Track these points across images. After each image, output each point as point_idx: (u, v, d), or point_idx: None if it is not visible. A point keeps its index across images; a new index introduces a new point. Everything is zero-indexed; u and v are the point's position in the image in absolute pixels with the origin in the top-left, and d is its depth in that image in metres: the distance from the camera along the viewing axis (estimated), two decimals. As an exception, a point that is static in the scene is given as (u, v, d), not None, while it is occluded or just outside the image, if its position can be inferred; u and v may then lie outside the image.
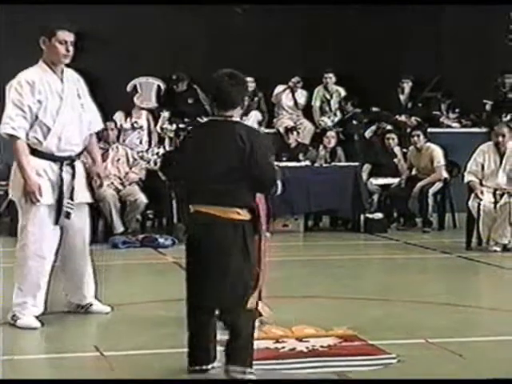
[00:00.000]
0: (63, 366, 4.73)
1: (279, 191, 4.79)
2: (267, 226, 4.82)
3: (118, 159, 10.40)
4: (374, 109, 13.39)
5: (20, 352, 4.97)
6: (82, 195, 5.92)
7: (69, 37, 5.76)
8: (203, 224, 4.40)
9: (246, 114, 13.17)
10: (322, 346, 5.07)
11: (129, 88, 13.07)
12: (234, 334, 4.41)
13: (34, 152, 5.68)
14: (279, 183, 4.75)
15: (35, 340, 5.36)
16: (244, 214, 4.40)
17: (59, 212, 5.66)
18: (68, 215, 5.69)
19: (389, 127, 12.79)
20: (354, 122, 12.93)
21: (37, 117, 5.64)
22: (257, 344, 5.08)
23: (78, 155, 5.88)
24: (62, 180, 5.70)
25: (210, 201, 4.39)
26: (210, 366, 4.54)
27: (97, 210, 10.17)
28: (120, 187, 10.27)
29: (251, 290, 4.43)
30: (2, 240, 10.43)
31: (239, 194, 4.39)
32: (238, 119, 4.56)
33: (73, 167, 5.81)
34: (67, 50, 5.75)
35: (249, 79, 13.19)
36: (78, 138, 5.83)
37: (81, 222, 5.95)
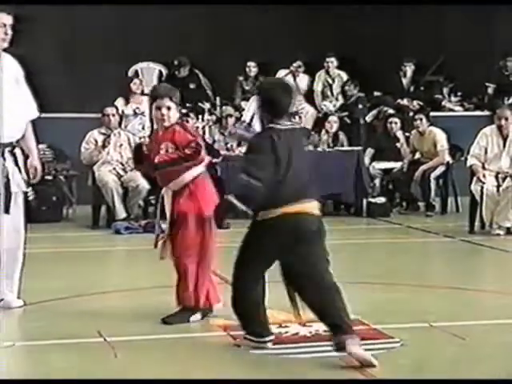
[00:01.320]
0: (66, 352, 4.72)
1: None
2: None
3: (121, 145, 10.38)
4: (376, 93, 13.35)
5: (23, 338, 4.97)
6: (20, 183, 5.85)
7: (7, 20, 5.63)
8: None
9: (247, 98, 13.14)
10: (325, 331, 5.04)
11: (130, 73, 13.04)
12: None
13: None
14: None
15: (38, 326, 5.36)
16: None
17: (9, 200, 5.58)
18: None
19: (391, 111, 12.76)
20: (360, 105, 12.88)
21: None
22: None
23: (17, 142, 5.81)
24: (5, 167, 5.64)
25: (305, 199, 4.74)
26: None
27: (99, 195, 10.21)
28: (122, 173, 10.25)
29: None
30: None
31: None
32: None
33: (13, 154, 5.75)
34: (5, 34, 5.63)
35: (251, 64, 13.19)
36: (16, 126, 5.74)
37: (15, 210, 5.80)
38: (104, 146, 10.32)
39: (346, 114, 12.72)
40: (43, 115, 6.03)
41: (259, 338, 4.76)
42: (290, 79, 13.25)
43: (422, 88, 13.54)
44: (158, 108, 5.46)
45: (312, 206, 4.79)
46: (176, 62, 12.83)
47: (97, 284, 6.64)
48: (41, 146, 12.52)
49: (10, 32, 5.64)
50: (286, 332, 5.09)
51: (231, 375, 4.32)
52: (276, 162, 4.62)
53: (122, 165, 10.30)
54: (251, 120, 12.75)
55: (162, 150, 5.41)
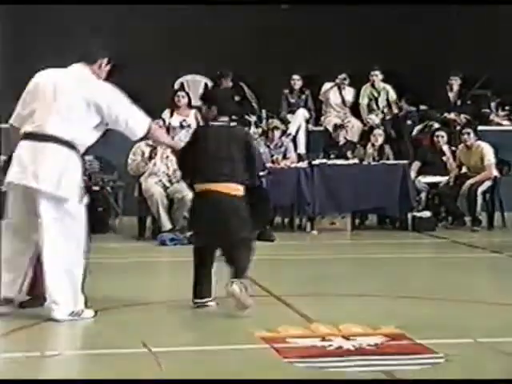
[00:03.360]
0: (111, 362, 4.76)
1: None
2: None
3: (167, 156, 10.46)
4: (422, 107, 13.29)
5: (69, 347, 5.01)
6: None
7: None
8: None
9: (292, 111, 13.17)
10: (369, 345, 5.04)
11: (176, 86, 13.13)
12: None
13: None
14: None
15: (84, 335, 5.41)
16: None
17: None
18: None
19: (436, 125, 12.69)
20: (409, 121, 12.84)
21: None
22: (303, 342, 5.12)
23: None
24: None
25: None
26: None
27: (145, 206, 10.29)
28: (168, 184, 10.32)
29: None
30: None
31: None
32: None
33: None
34: None
35: (296, 77, 13.21)
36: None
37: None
38: (150, 158, 10.41)
39: (390, 128, 12.67)
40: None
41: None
42: (335, 92, 13.28)
43: (468, 102, 13.44)
44: None
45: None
46: (218, 72, 12.85)
47: (142, 295, 6.68)
48: (88, 158, 12.73)
49: None
50: (330, 345, 5.07)
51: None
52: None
53: (168, 176, 10.37)
54: (297, 133, 12.78)
55: None
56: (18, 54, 12.42)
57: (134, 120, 5.88)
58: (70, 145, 5.68)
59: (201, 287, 6.10)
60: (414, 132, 12.94)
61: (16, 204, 5.79)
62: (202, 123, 12.05)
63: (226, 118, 6.24)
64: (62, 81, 5.82)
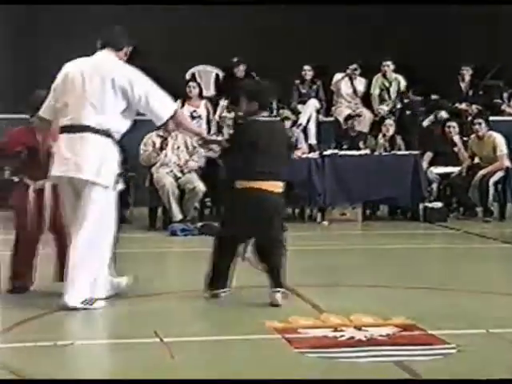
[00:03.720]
0: (123, 352, 4.77)
1: None
2: None
3: (178, 147, 10.46)
4: (434, 96, 13.25)
5: (81, 337, 5.03)
6: None
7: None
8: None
9: (303, 102, 13.14)
10: (380, 335, 5.04)
11: (187, 76, 13.12)
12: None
13: None
14: None
15: (97, 325, 5.42)
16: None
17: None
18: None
19: (445, 114, 12.65)
20: (414, 111, 12.80)
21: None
22: (315, 332, 5.12)
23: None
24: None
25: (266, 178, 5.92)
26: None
27: (156, 197, 10.30)
28: (179, 175, 10.33)
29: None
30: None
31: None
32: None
33: None
34: None
35: (307, 67, 13.19)
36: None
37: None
38: (162, 149, 10.42)
39: (399, 118, 12.65)
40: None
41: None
42: (346, 82, 13.24)
43: (480, 92, 13.39)
44: None
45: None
46: (235, 59, 12.81)
47: (153, 285, 6.68)
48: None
49: None
50: (341, 336, 5.07)
51: (283, 377, 4.31)
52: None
53: (180, 167, 10.37)
54: (307, 123, 12.76)
55: None
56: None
57: (159, 103, 5.90)
58: (106, 133, 5.78)
59: (218, 278, 6.03)
60: (426, 122, 12.90)
61: (65, 197, 5.91)
62: (212, 114, 12.09)
63: (266, 113, 6.06)
64: (90, 70, 5.87)
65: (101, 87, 5.78)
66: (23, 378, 4.22)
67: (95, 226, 5.71)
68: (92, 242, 5.69)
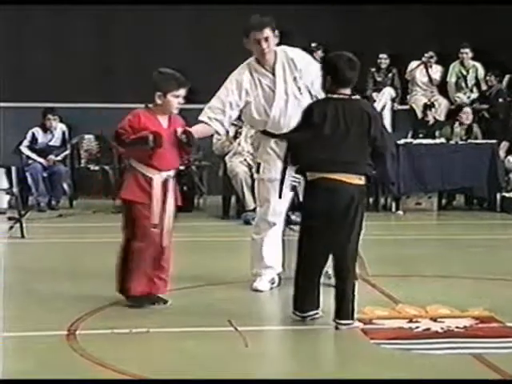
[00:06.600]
0: (198, 340, 4.79)
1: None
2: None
3: (251, 136, 10.45)
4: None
5: (156, 325, 5.07)
6: None
7: (260, 34, 5.88)
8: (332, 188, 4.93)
9: (378, 90, 13.02)
10: (457, 327, 4.96)
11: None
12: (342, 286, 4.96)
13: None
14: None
15: (172, 313, 5.45)
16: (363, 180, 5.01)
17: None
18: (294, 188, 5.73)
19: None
20: (500, 99, 12.54)
21: (240, 113, 6.06)
22: (390, 323, 5.07)
23: None
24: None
25: (342, 169, 4.92)
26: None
27: (229, 186, 10.33)
28: (252, 164, 10.33)
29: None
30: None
31: (364, 164, 4.97)
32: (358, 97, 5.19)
33: None
34: (262, 48, 5.91)
35: (383, 55, 13.05)
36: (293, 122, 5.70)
37: None
38: (235, 137, 10.43)
39: (485, 107, 12.42)
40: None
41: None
42: (422, 70, 13.06)
43: None
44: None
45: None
46: (313, 45, 12.73)
47: (227, 273, 6.70)
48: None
49: (265, 45, 5.90)
50: (417, 327, 5.01)
51: (358, 369, 4.27)
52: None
53: (253, 156, 10.37)
54: (382, 111, 12.63)
55: None
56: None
57: None
58: None
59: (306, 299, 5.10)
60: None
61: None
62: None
63: (347, 91, 5.00)
64: None
65: None
66: (100, 364, 4.28)
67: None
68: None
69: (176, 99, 5.52)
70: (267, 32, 5.90)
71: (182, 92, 5.54)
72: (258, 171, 6.20)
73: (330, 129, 4.91)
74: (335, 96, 4.99)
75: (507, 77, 12.81)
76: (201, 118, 5.96)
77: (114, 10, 12.61)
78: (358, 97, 5.15)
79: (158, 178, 5.51)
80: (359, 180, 4.95)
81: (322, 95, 5.35)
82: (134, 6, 12.45)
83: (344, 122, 4.92)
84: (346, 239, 4.96)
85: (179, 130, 5.55)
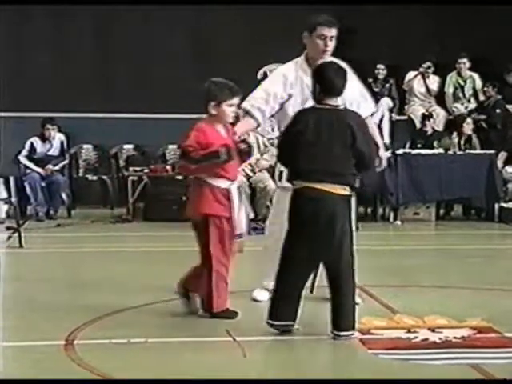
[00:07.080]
0: (196, 350, 4.79)
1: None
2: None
3: (265, 146, 10.50)
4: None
5: (154, 335, 5.06)
6: None
7: (328, 32, 5.88)
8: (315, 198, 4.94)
9: (376, 100, 13.03)
10: (455, 337, 4.97)
11: (259, 76, 13.11)
12: (338, 298, 4.94)
13: None
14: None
15: (170, 323, 5.45)
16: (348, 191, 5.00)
17: None
18: None
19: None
20: (498, 110, 12.57)
21: (281, 107, 5.93)
22: (388, 333, 5.07)
23: None
24: None
25: (326, 179, 4.92)
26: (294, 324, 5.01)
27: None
28: (250, 174, 10.34)
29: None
30: (138, 224, 10.71)
31: (348, 175, 4.98)
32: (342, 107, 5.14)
33: None
34: (325, 45, 5.89)
35: (380, 66, 13.08)
36: None
37: None
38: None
39: (483, 117, 12.45)
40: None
41: None
42: (419, 81, 13.09)
43: None
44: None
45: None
46: None
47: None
48: (170, 147, 12.87)
49: (330, 44, 5.92)
50: (415, 338, 5.01)
51: (356, 379, 4.28)
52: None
53: (251, 166, 10.39)
54: (380, 122, 12.65)
55: None
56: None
57: None
58: None
59: (283, 307, 5.05)
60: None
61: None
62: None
63: (333, 101, 5.01)
64: None
65: None
66: (98, 374, 4.28)
67: None
68: None
69: (230, 108, 5.51)
70: (334, 31, 5.92)
71: (236, 101, 5.53)
72: (280, 179, 6.08)
73: (312, 137, 4.93)
74: (320, 106, 5.04)
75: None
76: (244, 105, 5.92)
77: (114, 15, 12.61)
78: (343, 107, 5.12)
79: (233, 189, 5.57)
80: (343, 190, 4.95)
81: (353, 108, 5.54)
82: (134, 13, 12.49)
83: (326, 133, 4.93)
84: (336, 250, 4.94)
85: (237, 139, 5.57)
